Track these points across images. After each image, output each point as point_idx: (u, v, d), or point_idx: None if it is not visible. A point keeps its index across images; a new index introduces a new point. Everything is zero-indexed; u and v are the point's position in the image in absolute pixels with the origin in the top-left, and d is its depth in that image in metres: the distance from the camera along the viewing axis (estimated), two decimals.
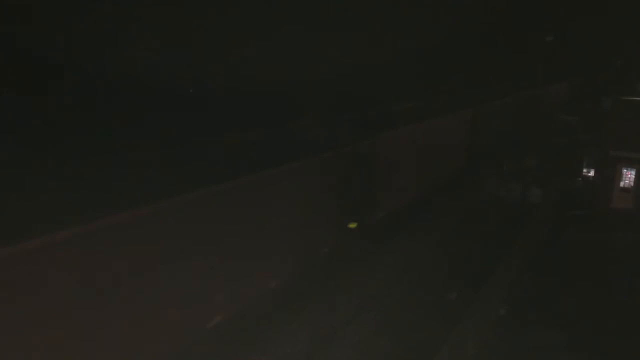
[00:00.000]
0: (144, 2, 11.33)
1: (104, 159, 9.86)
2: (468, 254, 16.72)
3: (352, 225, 15.34)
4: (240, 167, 11.25)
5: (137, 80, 10.89)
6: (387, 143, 17.22)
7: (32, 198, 7.90)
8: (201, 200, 9.87)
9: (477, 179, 25.60)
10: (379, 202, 16.78)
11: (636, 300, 13.85)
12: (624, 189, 20.73)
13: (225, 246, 10.56)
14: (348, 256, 15.23)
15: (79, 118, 9.98)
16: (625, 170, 20.69)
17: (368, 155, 15.81)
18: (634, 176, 20.62)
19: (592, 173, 23.67)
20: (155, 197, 8.94)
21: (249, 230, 11.25)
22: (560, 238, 18.34)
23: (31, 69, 9.80)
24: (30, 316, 7.15)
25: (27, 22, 9.55)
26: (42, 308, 7.29)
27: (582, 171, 24.26)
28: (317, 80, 16.65)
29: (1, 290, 6.84)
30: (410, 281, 14.56)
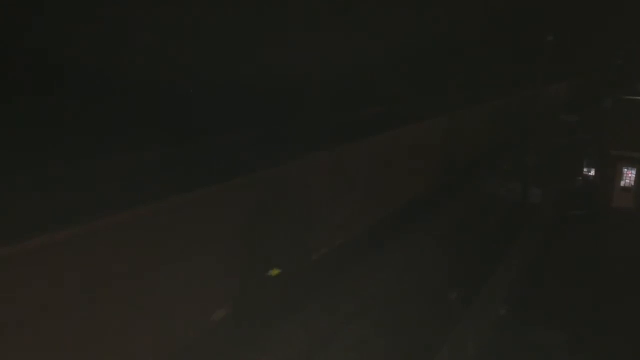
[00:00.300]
0: (144, 1, 11.30)
1: (104, 158, 9.85)
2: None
3: (274, 273, 11.34)
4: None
5: (136, 80, 10.87)
6: (317, 166, 13.52)
7: (31, 198, 7.90)
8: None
9: (458, 194, 22.39)
10: (314, 238, 12.86)
11: (637, 300, 13.84)
12: (625, 189, 20.73)
13: None
14: (256, 321, 10.74)
15: (78, 118, 9.97)
16: (625, 170, 20.70)
17: (295, 180, 12.17)
18: (634, 175, 20.62)
19: (592, 173, 23.67)
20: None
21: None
22: (560, 238, 18.34)
23: (31, 68, 9.79)
24: (29, 316, 7.15)
25: (27, 21, 9.55)
26: (41, 308, 7.29)
27: (582, 171, 24.26)
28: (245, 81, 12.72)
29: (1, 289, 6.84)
30: None
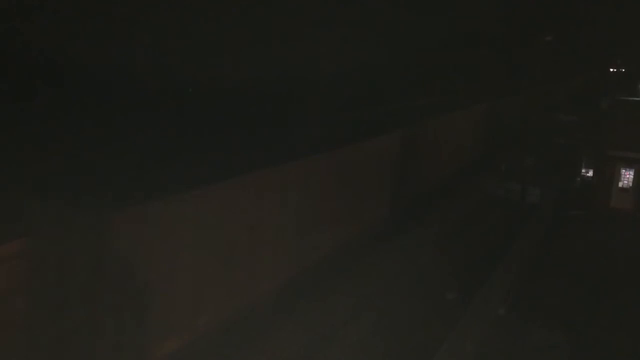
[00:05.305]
0: (144, 1, 11.33)
1: (104, 158, 9.87)
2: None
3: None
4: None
5: (136, 80, 10.91)
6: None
7: (32, 198, 7.92)
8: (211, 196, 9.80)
9: (488, 169, 27.15)
10: (417, 182, 19.61)
11: (636, 300, 13.89)
12: (623, 189, 20.77)
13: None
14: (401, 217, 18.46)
15: (77, 117, 10.00)
16: (623, 171, 20.73)
17: (417, 138, 18.94)
18: (632, 176, 20.66)
19: (590, 173, 23.69)
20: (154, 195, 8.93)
21: (305, 205, 12.42)
22: (559, 238, 18.37)
23: (31, 67, 9.81)
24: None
25: (27, 20, 9.57)
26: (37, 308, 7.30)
27: (580, 171, 24.29)
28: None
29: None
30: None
